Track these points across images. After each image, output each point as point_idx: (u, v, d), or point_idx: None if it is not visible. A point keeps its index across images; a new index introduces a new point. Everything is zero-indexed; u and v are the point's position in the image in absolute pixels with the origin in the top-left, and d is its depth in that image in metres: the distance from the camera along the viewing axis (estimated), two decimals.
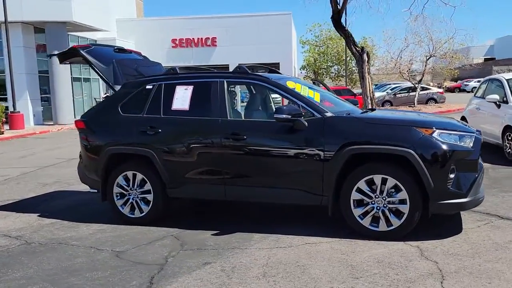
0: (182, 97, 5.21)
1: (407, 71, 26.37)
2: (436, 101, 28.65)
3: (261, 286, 3.48)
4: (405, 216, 4.28)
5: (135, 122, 5.31)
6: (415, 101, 25.37)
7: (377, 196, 4.36)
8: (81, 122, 5.67)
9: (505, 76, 9.00)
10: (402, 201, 4.29)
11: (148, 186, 5.22)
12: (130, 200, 5.32)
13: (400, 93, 28.82)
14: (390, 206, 4.33)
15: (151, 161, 5.17)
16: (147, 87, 5.43)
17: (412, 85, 27.37)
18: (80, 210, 6.19)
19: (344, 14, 8.63)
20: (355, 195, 4.43)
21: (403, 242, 4.25)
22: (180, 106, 5.19)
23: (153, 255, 4.30)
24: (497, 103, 8.43)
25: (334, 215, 4.58)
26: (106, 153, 5.35)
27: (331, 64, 41.23)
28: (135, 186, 5.29)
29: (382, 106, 26.20)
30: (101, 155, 5.40)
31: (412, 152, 4.20)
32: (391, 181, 4.29)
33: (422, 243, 4.23)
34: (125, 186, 5.33)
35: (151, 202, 5.21)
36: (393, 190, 4.32)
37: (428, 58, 25.39)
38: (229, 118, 4.96)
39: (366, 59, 9.06)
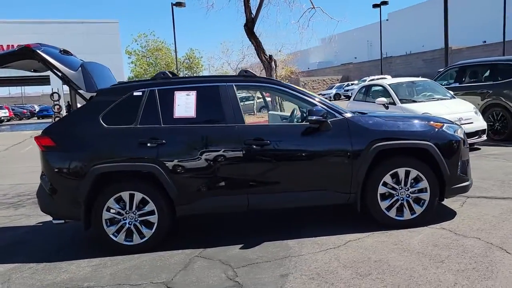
0: (185, 104, 4.73)
1: None
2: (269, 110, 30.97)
3: (373, 285, 3.46)
4: (426, 203, 4.73)
5: (127, 134, 4.61)
6: (254, 109, 27.03)
7: (401, 188, 4.71)
8: (47, 139, 4.65)
9: (386, 82, 10.45)
10: (422, 190, 4.73)
11: (150, 207, 4.58)
12: (127, 226, 4.59)
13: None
14: (413, 195, 4.73)
15: (155, 177, 4.56)
16: (135, 94, 4.77)
17: (250, 94, 29.13)
18: (36, 246, 5.04)
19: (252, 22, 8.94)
20: (381, 189, 4.70)
21: (427, 227, 4.68)
22: (185, 114, 4.71)
23: (211, 278, 3.83)
24: (385, 105, 9.73)
25: (362, 210, 4.77)
26: (91, 173, 4.50)
27: None
28: (133, 208, 4.58)
29: None
30: (83, 176, 4.52)
31: (432, 144, 4.68)
32: (413, 173, 4.69)
33: (441, 225, 4.73)
34: (118, 210, 4.57)
35: (155, 224, 4.59)
36: (413, 181, 4.72)
37: (262, 70, 27.28)
38: (246, 124, 4.72)
39: (274, 66, 9.49)
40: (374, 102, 10.00)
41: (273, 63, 9.23)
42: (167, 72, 4.99)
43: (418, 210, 4.73)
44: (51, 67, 4.72)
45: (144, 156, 4.56)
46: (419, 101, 9.65)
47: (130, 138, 4.59)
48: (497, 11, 38.03)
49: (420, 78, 11.57)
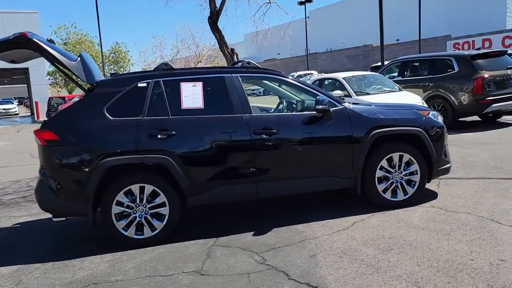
0: (192, 95, 4.74)
1: None
2: None
3: (400, 258, 3.77)
4: (416, 184, 5.15)
5: (135, 126, 4.54)
6: None
7: (395, 171, 5.09)
8: (49, 133, 4.44)
9: (340, 75, 10.98)
10: (413, 173, 5.14)
11: (161, 199, 4.56)
12: (137, 219, 4.53)
13: None
14: (405, 178, 5.13)
15: (165, 169, 4.54)
16: (140, 85, 4.70)
17: None
18: (27, 247, 4.80)
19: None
20: (378, 173, 5.05)
21: (419, 206, 5.11)
22: (192, 105, 4.72)
23: (241, 264, 3.93)
24: (341, 97, 10.21)
25: (363, 194, 5.09)
26: (100, 167, 4.39)
27: None
28: (144, 201, 4.53)
29: None
30: (91, 170, 4.39)
31: (422, 130, 5.11)
32: (406, 157, 5.09)
33: (430, 203, 5.18)
34: (128, 204, 4.50)
35: (166, 216, 4.58)
36: (405, 164, 5.13)
37: (197, 64, 27.14)
38: (254, 114, 4.83)
39: (236, 59, 9.53)
40: None
41: (235, 56, 9.35)
42: (170, 63, 4.95)
43: (410, 191, 5.14)
44: (49, 57, 4.50)
45: (154, 148, 4.52)
46: (372, 94, 10.26)
47: (138, 130, 4.52)
48: (409, 11, 40.89)
49: (369, 72, 12.26)
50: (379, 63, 17.49)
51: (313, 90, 5.09)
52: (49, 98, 29.82)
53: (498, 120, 11.51)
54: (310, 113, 4.93)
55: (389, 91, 10.43)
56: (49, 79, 39.17)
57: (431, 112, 5.41)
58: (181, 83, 4.77)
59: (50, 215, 5.84)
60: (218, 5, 8.86)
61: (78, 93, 36.34)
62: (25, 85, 35.95)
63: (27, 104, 47.65)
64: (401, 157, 5.08)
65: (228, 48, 9.29)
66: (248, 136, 4.70)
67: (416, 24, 31.81)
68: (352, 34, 53.05)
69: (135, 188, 4.50)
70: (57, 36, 37.57)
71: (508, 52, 11.24)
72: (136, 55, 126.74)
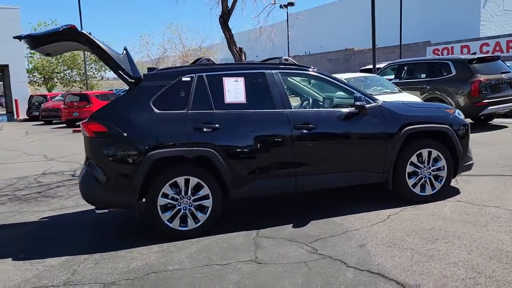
0: (234, 90, 4.84)
1: None
2: None
3: (449, 248, 3.95)
4: (443, 179, 5.37)
5: (181, 119, 4.60)
6: None
7: (424, 167, 5.30)
8: (98, 125, 4.46)
9: (343, 77, 11.19)
10: (440, 168, 5.36)
11: (205, 191, 4.63)
12: (182, 211, 4.59)
13: None
14: (433, 173, 5.34)
15: (209, 162, 4.61)
16: (184, 79, 4.77)
17: None
18: (63, 241, 4.81)
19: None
20: (409, 168, 5.24)
21: (446, 201, 5.32)
22: (235, 99, 4.81)
23: (294, 253, 4.04)
24: None
25: (393, 188, 5.27)
26: (147, 159, 4.44)
27: (65, 68, 38.14)
28: (188, 194, 4.59)
29: None
30: (138, 162, 4.44)
31: (450, 128, 5.33)
32: (434, 153, 5.30)
33: (455, 198, 5.41)
34: (173, 196, 4.56)
35: (210, 209, 4.66)
36: (433, 160, 5.34)
37: (183, 64, 27.06)
38: (294, 109, 4.96)
39: (244, 59, 9.62)
40: None
41: (243, 55, 9.45)
42: (211, 59, 5.03)
43: (438, 186, 5.36)
44: (97, 50, 4.52)
45: (199, 141, 4.59)
46: (375, 94, 10.50)
47: (184, 123, 4.59)
48: (387, 18, 41.72)
49: (369, 74, 12.54)
50: (369, 66, 17.84)
51: (349, 88, 5.25)
52: (30, 96, 29.15)
53: (489, 122, 11.95)
54: (346, 110, 5.09)
55: (390, 93, 10.69)
56: (28, 76, 38.33)
57: (456, 110, 5.65)
58: (223, 78, 4.86)
59: (77, 209, 5.92)
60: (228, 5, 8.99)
61: (58, 91, 35.67)
62: (1, 82, 35.01)
63: (1, 103, 46.42)
64: (429, 153, 5.29)
65: (237, 47, 9.38)
66: (289, 131, 4.83)
67: (393, 30, 32.46)
68: (332, 37, 53.67)
69: (181, 180, 4.56)
70: None
71: (500, 57, 11.70)
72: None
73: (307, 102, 6.15)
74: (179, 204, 4.59)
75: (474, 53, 14.34)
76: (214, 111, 4.71)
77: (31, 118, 27.67)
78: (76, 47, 5.19)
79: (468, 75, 10.59)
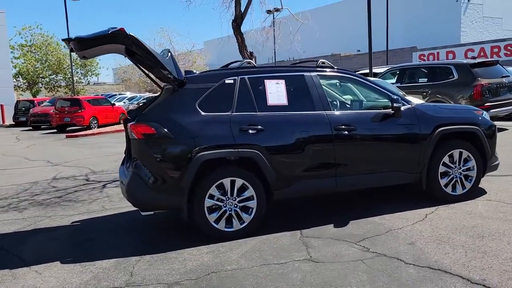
0: (276, 92, 4.91)
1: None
2: None
3: (499, 244, 4.08)
4: (473, 179, 5.53)
5: (226, 121, 4.65)
6: None
7: (455, 167, 5.45)
8: (146, 127, 4.47)
9: None
10: (469, 168, 5.51)
11: (249, 192, 4.68)
12: (228, 212, 4.63)
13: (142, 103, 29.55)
14: (464, 173, 5.49)
15: (254, 163, 4.67)
16: (227, 81, 4.83)
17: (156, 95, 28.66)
18: (107, 243, 4.80)
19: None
20: (441, 168, 5.38)
21: (476, 200, 5.47)
22: (277, 102, 4.89)
23: (347, 252, 4.12)
24: None
25: (427, 187, 5.40)
26: (196, 160, 4.47)
27: (51, 73, 37.55)
28: (234, 195, 4.64)
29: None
30: (187, 164, 4.47)
31: (479, 129, 5.50)
32: (464, 154, 5.46)
33: (485, 197, 5.56)
34: (219, 197, 4.60)
35: (254, 209, 4.71)
36: (464, 160, 5.49)
37: None
38: (333, 111, 5.05)
39: (254, 63, 9.62)
40: None
41: (253, 59, 9.52)
42: (252, 62, 5.10)
43: (468, 185, 5.51)
44: (146, 53, 4.53)
45: (245, 142, 4.64)
46: None
47: (230, 125, 4.63)
48: (372, 23, 42.35)
49: (373, 78, 12.74)
50: (364, 70, 18.12)
51: (384, 90, 5.37)
52: (17, 101, 28.66)
53: None
54: (383, 111, 5.21)
55: None
56: (14, 81, 37.67)
57: (483, 112, 5.83)
58: (265, 80, 4.92)
59: (105, 213, 5.92)
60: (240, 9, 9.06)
61: (42, 96, 35.09)
62: None
63: None
64: (460, 154, 5.44)
65: (248, 51, 9.46)
66: (329, 132, 4.92)
67: (378, 36, 32.86)
68: (315, 43, 54.20)
69: (227, 181, 4.61)
70: (22, 38, 36.27)
71: (499, 61, 12.04)
72: (105, 58, 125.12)
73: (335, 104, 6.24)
74: (225, 205, 4.63)
75: (474, 58, 14.70)
76: (258, 113, 4.77)
77: (17, 123, 27.18)
78: (114, 50, 5.20)
79: (471, 79, 10.87)
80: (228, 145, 4.59)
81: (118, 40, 4.51)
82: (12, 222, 5.85)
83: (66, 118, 21.72)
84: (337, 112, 5.10)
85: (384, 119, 5.18)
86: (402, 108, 5.22)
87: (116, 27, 4.43)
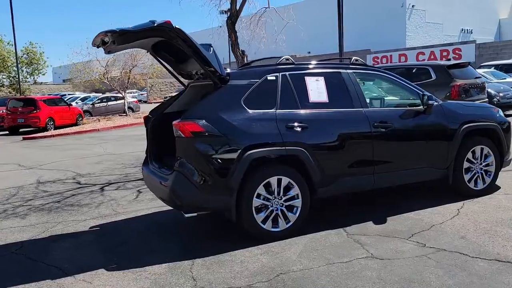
0: (316, 89, 4.85)
1: (118, 79, 26.35)
2: (133, 110, 29.78)
3: None
4: (492, 174, 5.74)
5: (273, 119, 4.53)
6: (126, 109, 25.90)
7: (477, 162, 5.63)
8: (195, 124, 4.26)
9: None
10: (488, 164, 5.71)
11: (295, 191, 4.60)
12: (274, 212, 4.52)
13: (98, 104, 28.46)
14: (484, 168, 5.69)
15: (299, 161, 4.59)
16: (269, 78, 4.71)
17: (111, 95, 27.78)
18: (141, 247, 4.55)
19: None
20: (465, 164, 5.54)
21: (496, 194, 5.68)
22: (318, 98, 4.83)
23: (404, 248, 4.13)
24: None
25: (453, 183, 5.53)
26: (245, 159, 4.32)
27: None
28: (280, 194, 4.53)
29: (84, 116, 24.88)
30: (236, 162, 4.31)
31: (498, 125, 5.71)
32: (485, 150, 5.65)
33: (502, 191, 5.79)
34: (267, 196, 4.48)
35: (299, 208, 4.63)
36: (484, 156, 5.68)
37: (132, 68, 26.17)
38: (371, 108, 5.06)
39: (246, 61, 9.47)
40: None
41: (245, 58, 9.40)
42: (290, 58, 5.00)
43: (487, 180, 5.71)
44: (191, 48, 4.31)
45: (291, 140, 4.54)
46: None
47: (276, 122, 4.52)
48: (319, 27, 43.22)
49: None
50: None
51: (413, 88, 5.45)
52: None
53: None
54: (414, 108, 5.28)
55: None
56: None
57: (499, 109, 6.06)
58: (305, 77, 4.85)
59: (120, 217, 5.67)
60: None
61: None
62: None
63: None
64: (482, 150, 5.63)
65: (240, 50, 9.33)
66: (368, 129, 4.92)
67: (330, 39, 33.51)
68: (274, 44, 54.51)
69: (274, 180, 4.49)
70: None
71: (471, 63, 12.64)
72: (52, 56, 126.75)
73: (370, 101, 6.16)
74: (271, 204, 4.50)
75: (449, 59, 15.34)
76: (301, 110, 4.69)
77: None
78: (141, 45, 4.94)
79: (448, 80, 11.30)
80: (276, 143, 4.47)
81: (162, 33, 4.27)
82: (21, 229, 5.40)
83: (20, 119, 20.49)
84: (373, 109, 5.11)
85: (416, 116, 5.26)
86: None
87: (162, 20, 4.19)
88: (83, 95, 34.75)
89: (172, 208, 5.72)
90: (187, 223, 5.30)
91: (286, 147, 4.51)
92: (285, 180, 4.53)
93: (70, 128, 20.93)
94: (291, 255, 4.11)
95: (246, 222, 4.41)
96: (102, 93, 33.34)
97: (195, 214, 4.47)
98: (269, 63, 5.45)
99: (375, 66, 4.80)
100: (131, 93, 31.36)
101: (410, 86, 5.48)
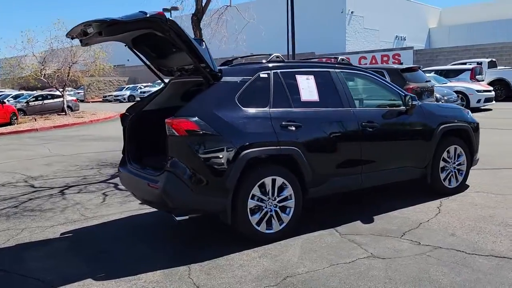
0: (307, 88, 4.78)
1: (57, 76, 24.89)
2: (72, 109, 28.33)
3: None
4: (464, 173, 5.95)
5: (267, 117, 4.41)
6: (65, 108, 24.61)
7: (451, 162, 5.82)
8: (190, 123, 4.03)
9: None
10: (461, 163, 5.92)
11: (288, 191, 4.50)
12: (269, 213, 4.40)
13: (33, 102, 26.81)
14: (457, 168, 5.89)
15: (293, 161, 4.50)
16: (261, 75, 4.57)
17: (47, 93, 26.30)
18: (127, 254, 4.25)
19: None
20: (441, 164, 5.70)
21: (467, 192, 5.89)
22: (310, 97, 4.76)
23: (402, 246, 4.15)
24: None
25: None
26: (242, 158, 4.16)
27: None
28: (274, 194, 4.42)
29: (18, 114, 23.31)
30: (233, 162, 4.14)
31: (470, 126, 5.94)
32: (458, 149, 5.85)
33: (471, 190, 6.02)
34: (262, 197, 4.35)
35: (292, 209, 4.53)
36: (457, 156, 5.88)
37: (71, 65, 24.90)
38: (358, 108, 5.06)
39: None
40: None
41: None
42: (280, 56, 4.88)
43: (460, 179, 5.91)
44: (185, 42, 4.07)
45: (286, 139, 4.43)
46: None
47: (271, 121, 4.39)
48: (271, 28, 43.71)
49: None
50: None
51: (396, 89, 5.52)
52: None
53: None
54: (397, 108, 5.35)
55: None
56: None
57: (468, 110, 6.31)
58: (296, 75, 4.76)
59: (91, 222, 5.30)
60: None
61: None
62: None
63: None
64: (455, 149, 5.82)
65: None
66: (357, 128, 4.92)
67: (277, 42, 33.80)
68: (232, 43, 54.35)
69: (268, 180, 4.35)
70: None
71: (421, 67, 13.20)
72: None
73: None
74: (265, 206, 4.37)
75: (402, 64, 15.87)
76: (294, 109, 4.59)
77: None
78: (126, 39, 4.63)
79: (402, 83, 11.67)
80: (271, 142, 4.34)
81: (154, 25, 3.99)
82: None
83: None
84: (361, 109, 5.12)
85: (398, 116, 5.33)
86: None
87: (154, 11, 3.92)
88: (14, 92, 32.67)
89: (148, 212, 5.51)
90: (170, 227, 5.04)
91: (281, 147, 4.39)
92: (279, 181, 4.41)
93: (5, 127, 19.50)
94: (291, 257, 4.00)
95: (241, 224, 4.24)
96: (37, 91, 31.52)
97: (187, 217, 4.23)
98: (250, 60, 5.34)
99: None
100: (66, 91, 29.77)
101: (391, 86, 5.55)
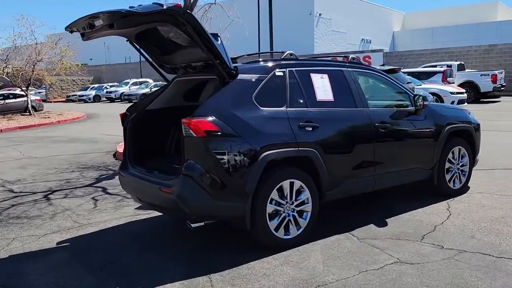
0: (322, 87, 4.60)
1: (21, 75, 23.74)
2: (35, 109, 27.16)
3: None
4: (467, 174, 5.93)
5: (285, 117, 4.20)
6: (29, 108, 23.55)
7: (456, 163, 5.78)
8: (209, 123, 3.76)
9: None
10: (464, 164, 5.89)
11: (305, 195, 4.30)
12: (287, 218, 4.19)
13: None
14: (460, 168, 5.86)
15: (311, 163, 4.31)
16: (277, 73, 4.36)
17: (9, 92, 25.12)
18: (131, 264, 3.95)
19: None
20: (447, 165, 5.65)
21: (470, 193, 5.87)
22: (325, 97, 4.58)
23: (423, 250, 4.03)
24: None
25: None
26: (262, 161, 3.93)
27: None
28: (292, 198, 4.22)
29: None
30: (252, 165, 3.91)
31: (472, 127, 5.92)
32: (462, 150, 5.83)
33: (473, 191, 6.01)
34: (279, 201, 4.14)
35: (309, 213, 4.34)
36: (461, 157, 5.85)
37: (35, 63, 23.86)
38: (371, 108, 4.92)
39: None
40: None
41: None
42: (293, 53, 4.68)
43: (463, 180, 5.89)
44: (201, 36, 3.81)
45: (304, 140, 4.24)
46: None
47: (288, 121, 4.18)
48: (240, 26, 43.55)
49: None
50: None
51: (405, 89, 5.42)
52: None
53: None
54: (406, 109, 5.26)
55: None
56: None
57: (470, 111, 6.30)
58: (311, 74, 4.57)
59: (87, 230, 5.12)
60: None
61: None
62: None
63: None
64: (459, 150, 5.79)
65: None
66: (371, 129, 4.79)
67: (247, 43, 33.65)
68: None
69: (286, 184, 4.15)
70: None
71: (401, 69, 13.33)
72: None
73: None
74: (283, 210, 4.16)
75: (383, 65, 15.95)
76: (310, 108, 4.40)
77: None
78: (130, 33, 4.32)
79: None
80: (290, 143, 4.13)
81: (169, 18, 3.71)
82: None
83: None
84: (373, 109, 4.98)
85: (407, 116, 5.24)
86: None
87: (170, 3, 3.64)
88: None
89: (146, 218, 5.22)
90: (174, 233, 4.77)
91: (299, 148, 4.19)
92: (297, 184, 4.21)
93: None
94: (316, 265, 3.80)
95: (261, 230, 4.01)
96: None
97: (203, 223, 3.96)
98: (253, 59, 5.11)
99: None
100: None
101: (401, 86, 5.45)
